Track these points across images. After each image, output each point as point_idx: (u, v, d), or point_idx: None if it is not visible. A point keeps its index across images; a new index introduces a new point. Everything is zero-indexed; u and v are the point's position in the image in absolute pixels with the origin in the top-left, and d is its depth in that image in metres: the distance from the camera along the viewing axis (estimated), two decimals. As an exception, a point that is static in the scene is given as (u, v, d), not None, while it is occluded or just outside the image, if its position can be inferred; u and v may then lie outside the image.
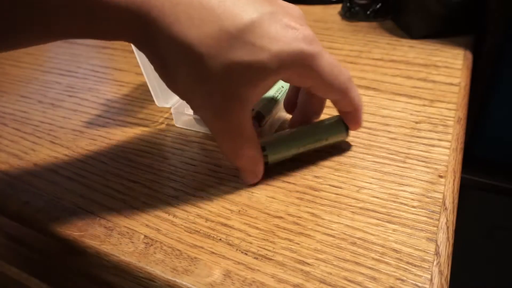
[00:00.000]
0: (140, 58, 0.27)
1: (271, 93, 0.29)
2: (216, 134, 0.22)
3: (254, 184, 0.24)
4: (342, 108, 0.24)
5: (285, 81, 0.21)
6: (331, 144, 0.25)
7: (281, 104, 0.28)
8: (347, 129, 0.25)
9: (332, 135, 0.25)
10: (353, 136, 0.27)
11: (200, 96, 0.20)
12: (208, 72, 0.18)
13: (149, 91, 0.35)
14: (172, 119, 0.31)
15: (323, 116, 0.26)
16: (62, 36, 0.19)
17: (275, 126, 0.29)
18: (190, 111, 0.29)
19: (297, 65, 0.19)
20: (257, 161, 0.23)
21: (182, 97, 0.21)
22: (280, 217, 0.21)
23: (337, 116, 0.25)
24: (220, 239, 0.20)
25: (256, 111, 0.27)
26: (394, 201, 0.22)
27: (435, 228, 0.20)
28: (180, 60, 0.19)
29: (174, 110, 0.30)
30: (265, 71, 0.19)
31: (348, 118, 0.24)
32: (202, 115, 0.21)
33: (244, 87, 0.19)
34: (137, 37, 0.19)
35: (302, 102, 0.25)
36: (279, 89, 0.29)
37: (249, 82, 0.19)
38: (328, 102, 0.25)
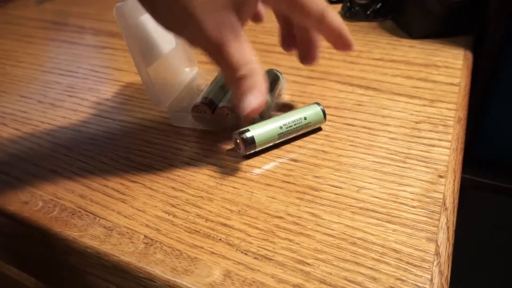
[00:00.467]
0: (135, 59, 0.27)
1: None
2: (216, 46, 0.20)
3: (254, 184, 0.24)
4: (326, 33, 0.23)
5: (264, 2, 0.22)
6: (312, 125, 0.27)
7: (275, 96, 0.30)
8: (321, 107, 0.27)
9: (308, 112, 0.27)
10: (353, 136, 0.27)
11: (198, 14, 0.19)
12: None
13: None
14: (172, 119, 0.31)
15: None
16: None
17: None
18: (187, 109, 0.29)
19: None
20: (256, 66, 0.21)
21: (176, 22, 0.20)
22: (280, 217, 0.21)
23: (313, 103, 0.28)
24: (220, 239, 0.20)
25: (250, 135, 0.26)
26: (394, 201, 0.22)
27: (435, 228, 0.20)
28: None
29: (169, 109, 0.30)
30: None
31: (337, 43, 0.24)
32: (197, 32, 0.20)
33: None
34: None
35: (298, 36, 0.26)
36: (272, 83, 0.30)
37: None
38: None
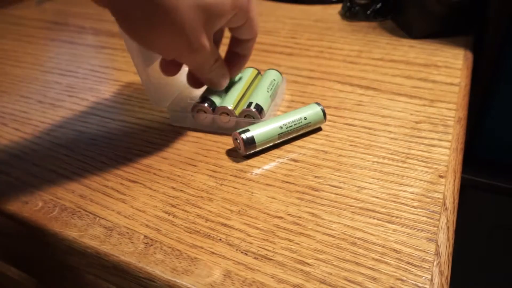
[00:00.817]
0: (134, 59, 0.27)
1: (264, 87, 0.30)
2: (189, 59, 0.24)
3: (256, 186, 0.24)
4: (241, 49, 0.28)
5: (225, 23, 0.25)
6: (312, 125, 0.27)
7: (274, 96, 0.30)
8: (321, 107, 0.27)
9: (308, 112, 0.27)
10: (353, 136, 0.27)
11: (171, 33, 0.22)
12: (179, 11, 0.21)
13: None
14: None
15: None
16: None
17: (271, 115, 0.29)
18: (186, 109, 0.29)
19: (243, 10, 0.24)
20: (224, 71, 0.27)
21: (148, 41, 0.22)
22: (280, 217, 0.21)
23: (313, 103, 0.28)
24: (220, 239, 0.20)
25: (255, 103, 0.28)
26: (394, 201, 0.22)
27: (435, 228, 0.20)
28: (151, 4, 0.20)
29: (169, 109, 0.30)
30: (224, 11, 0.23)
31: (248, 46, 0.28)
32: (175, 50, 0.23)
33: (209, 21, 0.23)
34: None
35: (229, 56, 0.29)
36: (271, 82, 0.30)
37: (211, 18, 0.22)
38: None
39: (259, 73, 0.33)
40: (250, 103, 0.28)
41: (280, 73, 0.32)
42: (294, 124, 0.26)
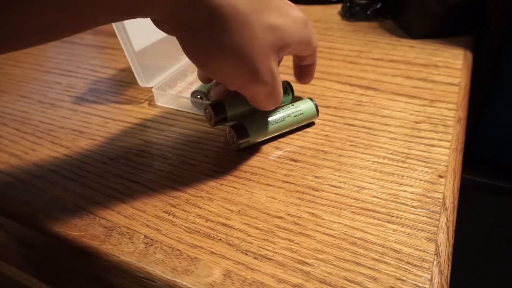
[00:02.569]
0: (123, 42, 0.30)
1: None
2: (254, 89, 0.23)
3: (257, 188, 0.24)
4: (305, 61, 0.28)
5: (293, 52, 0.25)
6: (304, 116, 0.27)
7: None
8: (312, 101, 0.28)
9: (298, 101, 0.28)
10: (353, 136, 0.27)
11: (236, 58, 0.21)
12: (251, 30, 0.20)
13: (151, 91, 0.35)
14: (173, 119, 0.31)
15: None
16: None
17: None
18: (172, 91, 0.32)
19: (306, 41, 0.25)
20: (280, 98, 0.25)
21: (213, 63, 0.21)
22: (280, 217, 0.21)
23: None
24: (220, 239, 0.20)
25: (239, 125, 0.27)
26: (394, 201, 0.22)
27: (435, 228, 0.20)
28: (224, 21, 0.19)
29: (156, 89, 0.32)
30: (292, 39, 0.23)
31: (307, 71, 0.29)
32: (234, 78, 0.22)
33: (277, 45, 0.22)
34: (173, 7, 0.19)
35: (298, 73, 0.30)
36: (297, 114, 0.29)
37: (280, 41, 0.22)
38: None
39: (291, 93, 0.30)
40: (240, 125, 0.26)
41: (317, 109, 0.28)
42: (282, 110, 0.27)
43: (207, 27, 0.19)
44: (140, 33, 0.31)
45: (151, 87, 0.33)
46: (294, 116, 0.27)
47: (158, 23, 0.21)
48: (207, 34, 0.19)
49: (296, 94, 0.33)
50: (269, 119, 0.26)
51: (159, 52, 0.34)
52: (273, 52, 0.22)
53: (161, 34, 0.34)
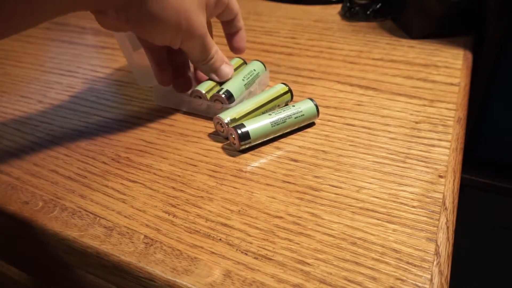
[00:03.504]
0: (122, 44, 0.32)
1: (240, 75, 0.31)
2: (190, 43, 0.27)
3: (256, 188, 0.24)
4: (231, 28, 0.31)
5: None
6: (305, 116, 0.28)
7: (250, 85, 0.31)
8: (313, 101, 0.28)
9: (298, 102, 0.28)
10: (353, 136, 0.27)
11: (170, 20, 0.24)
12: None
13: (150, 91, 0.35)
14: (173, 119, 0.31)
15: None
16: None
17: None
18: (171, 90, 0.32)
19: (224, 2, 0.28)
20: (224, 57, 0.30)
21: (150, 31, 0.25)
22: (280, 217, 0.21)
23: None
24: (220, 239, 0.20)
25: (226, 89, 0.29)
26: (394, 201, 0.22)
27: (435, 228, 0.20)
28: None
29: (156, 88, 0.33)
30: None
31: (237, 37, 0.32)
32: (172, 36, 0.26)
33: (204, 2, 0.26)
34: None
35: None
36: (251, 72, 0.32)
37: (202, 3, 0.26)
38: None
39: (244, 62, 0.34)
40: (221, 89, 0.29)
41: (264, 64, 0.33)
42: (283, 110, 0.27)
43: (133, 3, 0.23)
44: None
45: (151, 87, 0.33)
46: (295, 118, 0.27)
47: (100, 16, 0.24)
48: (146, 5, 0.23)
49: (296, 94, 0.33)
50: (270, 120, 0.26)
51: None
52: (201, 9, 0.26)
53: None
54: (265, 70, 0.33)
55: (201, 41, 0.27)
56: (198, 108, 0.31)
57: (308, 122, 0.28)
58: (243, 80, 0.31)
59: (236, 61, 0.34)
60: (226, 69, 0.30)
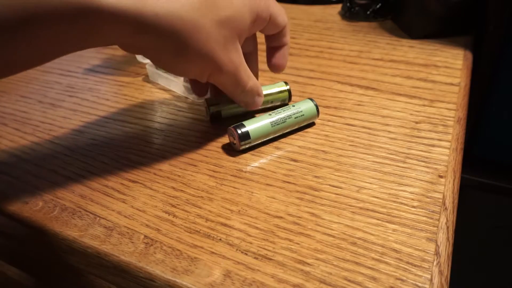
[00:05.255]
0: None
1: (277, 115, 0.28)
2: (224, 80, 0.25)
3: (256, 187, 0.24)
4: (275, 42, 0.28)
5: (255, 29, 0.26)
6: (305, 116, 0.28)
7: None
8: (313, 101, 0.28)
9: (298, 102, 0.28)
10: (353, 136, 0.27)
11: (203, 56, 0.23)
12: (204, 32, 0.22)
13: (151, 91, 0.35)
14: (173, 119, 0.31)
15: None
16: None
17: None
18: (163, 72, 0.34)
19: (263, 12, 0.25)
20: (259, 90, 0.27)
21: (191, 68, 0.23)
22: (280, 217, 0.21)
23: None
24: (220, 239, 0.20)
25: (244, 131, 0.26)
26: (394, 201, 0.22)
27: (435, 228, 0.20)
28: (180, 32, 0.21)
29: (149, 65, 0.34)
30: (244, 20, 0.24)
31: (280, 53, 0.29)
32: (208, 71, 0.24)
33: (232, 36, 0.23)
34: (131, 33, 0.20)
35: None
36: (295, 114, 0.29)
37: (233, 31, 0.23)
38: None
39: (288, 92, 0.31)
40: (240, 125, 0.26)
41: (317, 107, 0.28)
42: (283, 110, 0.27)
43: (164, 44, 0.21)
44: None
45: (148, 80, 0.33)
46: (295, 118, 0.27)
47: (126, 48, 0.23)
48: (168, 50, 0.22)
49: (296, 94, 0.33)
50: (271, 120, 0.26)
51: None
52: (231, 43, 0.23)
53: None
54: (316, 115, 0.28)
55: (231, 76, 0.25)
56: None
57: (308, 122, 0.28)
58: (272, 126, 0.26)
59: (280, 89, 0.30)
60: (257, 100, 0.27)
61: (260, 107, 0.29)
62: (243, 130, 0.26)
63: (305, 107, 0.28)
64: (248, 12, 0.24)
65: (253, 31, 0.26)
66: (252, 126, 0.26)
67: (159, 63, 0.24)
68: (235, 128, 0.26)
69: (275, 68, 0.29)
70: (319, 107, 0.28)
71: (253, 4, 0.24)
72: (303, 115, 0.27)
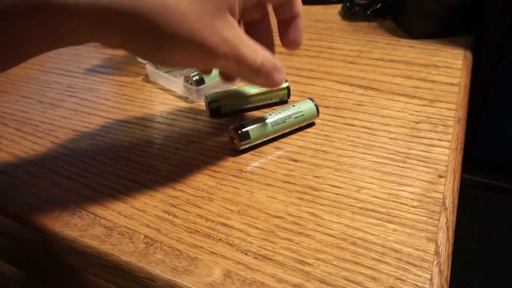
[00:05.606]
0: None
1: (274, 116, 0.28)
2: (229, 53, 0.21)
3: (257, 187, 0.24)
4: (286, 13, 0.24)
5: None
6: (305, 116, 0.27)
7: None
8: (313, 101, 0.28)
9: (298, 102, 0.28)
10: (353, 136, 0.27)
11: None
12: (179, 12, 0.18)
13: (150, 91, 0.35)
14: (173, 119, 0.31)
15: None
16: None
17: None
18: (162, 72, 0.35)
19: None
20: (273, 63, 0.23)
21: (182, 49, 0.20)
22: (280, 217, 0.21)
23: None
24: (220, 239, 0.20)
25: (245, 131, 0.26)
26: (394, 201, 0.22)
27: (435, 228, 0.20)
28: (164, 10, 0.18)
29: (149, 65, 0.35)
30: None
31: (292, 26, 0.24)
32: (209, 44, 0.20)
33: (220, 9, 0.20)
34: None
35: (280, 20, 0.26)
36: (295, 114, 0.30)
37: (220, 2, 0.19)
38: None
39: (287, 90, 0.31)
40: (241, 126, 0.26)
41: (317, 107, 0.28)
42: (283, 110, 0.27)
43: (137, 35, 0.19)
44: None
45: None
46: (295, 118, 0.27)
47: (106, 45, 0.20)
48: (144, 41, 0.19)
49: (296, 94, 0.33)
50: (270, 120, 0.26)
51: None
52: (220, 18, 0.19)
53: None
54: (316, 115, 0.28)
55: (231, 58, 0.21)
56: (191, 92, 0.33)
57: (308, 122, 0.28)
58: (272, 126, 0.26)
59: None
60: (277, 77, 0.24)
61: (262, 103, 0.29)
62: (243, 130, 0.26)
63: (305, 107, 0.28)
64: None
65: (248, 3, 0.22)
66: (252, 126, 0.26)
67: (143, 57, 0.21)
68: (235, 128, 0.26)
69: (290, 44, 0.25)
70: (319, 107, 0.28)
71: None
72: (303, 115, 0.27)
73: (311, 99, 0.28)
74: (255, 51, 0.21)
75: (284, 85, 0.31)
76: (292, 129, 0.28)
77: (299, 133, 0.28)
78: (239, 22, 0.23)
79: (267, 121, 0.26)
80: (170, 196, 0.23)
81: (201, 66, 0.22)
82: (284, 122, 0.27)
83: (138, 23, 0.18)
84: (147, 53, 0.20)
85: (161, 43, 0.19)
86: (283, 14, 0.24)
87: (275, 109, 0.27)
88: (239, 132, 0.25)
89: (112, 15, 0.17)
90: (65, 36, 0.18)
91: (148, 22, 0.18)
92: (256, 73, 0.22)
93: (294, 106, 0.27)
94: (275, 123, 0.26)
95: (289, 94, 0.31)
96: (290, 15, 0.24)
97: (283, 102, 0.31)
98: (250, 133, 0.26)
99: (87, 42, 0.19)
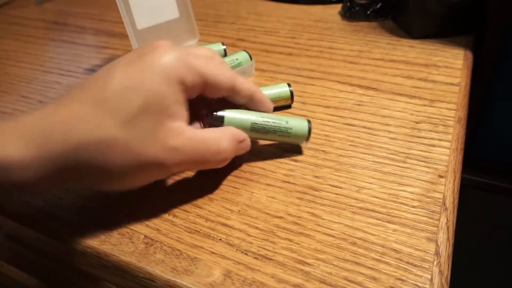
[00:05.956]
0: (125, 21, 0.33)
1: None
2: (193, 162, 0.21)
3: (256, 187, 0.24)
4: (237, 100, 0.24)
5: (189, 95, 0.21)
6: (292, 133, 0.24)
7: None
8: (308, 123, 0.25)
9: (294, 119, 0.25)
10: (353, 136, 0.27)
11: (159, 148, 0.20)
12: (113, 143, 0.19)
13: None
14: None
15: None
16: None
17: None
18: None
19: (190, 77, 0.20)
20: (237, 143, 0.23)
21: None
22: (280, 217, 0.21)
23: None
24: (220, 239, 0.20)
25: None
26: (394, 201, 0.22)
27: (435, 228, 0.20)
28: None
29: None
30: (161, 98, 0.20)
31: (256, 104, 0.24)
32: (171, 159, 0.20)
33: (159, 116, 0.20)
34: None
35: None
36: (232, 60, 0.33)
37: (157, 112, 0.19)
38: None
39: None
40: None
41: (250, 55, 0.34)
42: (272, 122, 0.24)
43: (91, 172, 0.19)
44: (144, 13, 0.34)
45: None
46: (279, 135, 0.24)
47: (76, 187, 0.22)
48: (100, 177, 0.19)
49: (296, 94, 0.33)
50: (252, 120, 0.24)
51: (161, 34, 0.36)
52: (161, 131, 0.19)
53: (165, 18, 0.36)
54: (250, 60, 0.34)
55: (185, 161, 0.21)
56: None
57: (294, 143, 0.26)
58: (251, 125, 0.24)
59: (219, 49, 0.35)
60: (244, 149, 0.24)
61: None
62: (219, 113, 0.23)
63: (296, 130, 0.24)
64: (158, 85, 0.19)
65: (192, 95, 0.21)
66: (232, 114, 0.23)
67: (105, 189, 0.22)
68: (216, 110, 0.23)
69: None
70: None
71: (167, 73, 0.20)
72: (289, 136, 0.25)
73: (308, 122, 0.25)
74: (209, 146, 0.21)
75: (287, 88, 0.30)
76: (273, 142, 0.26)
77: (299, 133, 0.28)
78: (199, 110, 0.24)
79: (250, 118, 0.24)
80: (170, 196, 0.23)
81: (164, 176, 0.22)
82: (266, 133, 0.24)
83: (88, 164, 0.18)
84: (106, 187, 0.21)
85: (113, 177, 0.19)
86: (236, 101, 0.24)
87: (270, 114, 0.25)
88: (215, 114, 0.23)
89: (62, 171, 0.18)
90: (33, 186, 0.19)
91: (95, 161, 0.18)
92: (221, 163, 0.22)
93: (287, 122, 0.24)
94: (255, 126, 0.24)
95: (292, 99, 0.31)
96: (244, 100, 0.24)
97: (286, 106, 0.31)
98: (225, 120, 0.23)
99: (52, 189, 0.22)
